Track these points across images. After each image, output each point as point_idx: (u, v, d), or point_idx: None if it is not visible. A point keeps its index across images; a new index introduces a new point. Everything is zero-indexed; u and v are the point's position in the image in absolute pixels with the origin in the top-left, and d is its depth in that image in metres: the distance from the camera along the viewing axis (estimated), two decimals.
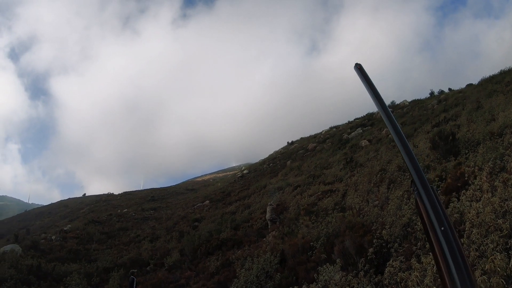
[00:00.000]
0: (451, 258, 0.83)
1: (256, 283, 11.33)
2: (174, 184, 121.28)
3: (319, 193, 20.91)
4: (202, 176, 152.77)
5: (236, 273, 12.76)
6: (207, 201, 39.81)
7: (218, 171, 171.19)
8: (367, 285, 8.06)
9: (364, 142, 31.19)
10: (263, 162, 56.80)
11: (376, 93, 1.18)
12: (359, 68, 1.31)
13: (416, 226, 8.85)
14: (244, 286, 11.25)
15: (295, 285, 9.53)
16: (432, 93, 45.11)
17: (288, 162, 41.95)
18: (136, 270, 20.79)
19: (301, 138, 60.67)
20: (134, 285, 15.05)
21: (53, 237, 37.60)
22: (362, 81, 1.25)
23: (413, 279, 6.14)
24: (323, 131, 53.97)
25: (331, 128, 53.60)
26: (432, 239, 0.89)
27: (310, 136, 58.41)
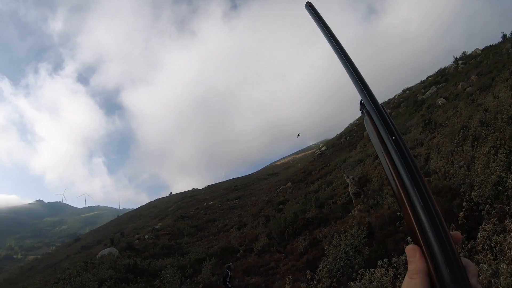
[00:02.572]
0: (401, 164, 0.90)
1: (345, 259, 11.25)
2: (255, 171, 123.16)
3: None
4: (281, 159, 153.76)
5: (324, 251, 12.82)
6: (289, 183, 40.09)
7: (296, 152, 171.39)
8: (460, 253, 7.73)
9: (440, 101, 29.72)
10: (340, 136, 55.99)
11: (329, 31, 1.18)
12: (310, 6, 1.29)
13: (508, 183, 8.40)
14: (333, 263, 11.19)
15: (384, 258, 9.17)
16: (504, 36, 41.65)
17: (365, 133, 41.00)
18: (228, 259, 21.43)
19: None
20: (229, 276, 15.62)
21: (146, 236, 39.79)
22: (315, 20, 1.24)
23: (509, 241, 5.77)
24: (396, 95, 52.13)
25: (403, 91, 51.62)
26: (383, 151, 0.95)
27: (383, 102, 56.79)
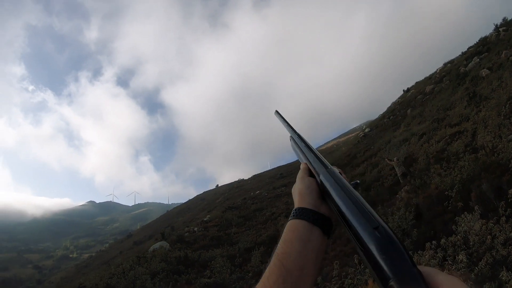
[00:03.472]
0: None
1: None
2: None
3: (446, 137, 19.88)
4: (324, 144, 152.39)
5: None
6: (335, 168, 39.92)
7: (339, 135, 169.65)
8: (511, 232, 7.63)
9: (484, 72, 28.61)
10: (383, 116, 54.91)
11: (295, 130, 1.39)
12: (278, 112, 1.57)
13: None
14: None
15: (433, 240, 9.08)
16: None
17: (408, 111, 40.15)
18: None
19: (416, 82, 57.67)
20: None
21: (196, 229, 40.62)
22: (283, 124, 1.47)
23: None
24: (437, 70, 50.51)
25: (445, 64, 49.89)
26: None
27: (425, 78, 55.33)
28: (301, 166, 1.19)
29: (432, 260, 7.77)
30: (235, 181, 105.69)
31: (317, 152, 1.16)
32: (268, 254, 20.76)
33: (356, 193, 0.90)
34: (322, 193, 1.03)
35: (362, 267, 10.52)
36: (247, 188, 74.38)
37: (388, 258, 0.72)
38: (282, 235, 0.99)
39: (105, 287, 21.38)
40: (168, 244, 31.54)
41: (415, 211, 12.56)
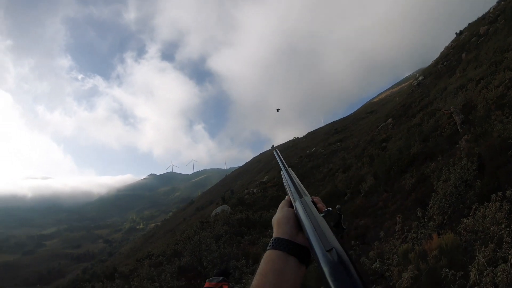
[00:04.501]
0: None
1: (455, 194, 10.76)
2: (353, 111, 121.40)
3: (506, 81, 18.94)
4: (378, 95, 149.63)
5: (433, 187, 12.37)
6: (390, 119, 39.15)
7: (392, 85, 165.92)
8: None
9: None
10: (436, 62, 52.66)
11: (286, 167, 1.46)
12: (275, 150, 1.74)
13: None
14: (443, 200, 10.78)
15: (497, 191, 8.77)
16: None
17: (463, 55, 38.28)
18: (336, 203, 21.66)
19: (469, 24, 54.54)
20: (342, 218, 15.99)
21: (255, 191, 41.49)
22: (277, 159, 1.59)
23: None
24: (490, 8, 47.28)
25: (498, 2, 46.65)
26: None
27: (478, 18, 52.05)
28: (286, 197, 1.25)
29: (498, 213, 7.61)
30: (290, 140, 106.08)
31: (298, 184, 1.24)
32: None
33: (321, 218, 0.97)
34: (299, 223, 1.07)
35: (425, 220, 10.42)
36: (302, 146, 74.58)
37: (337, 281, 0.76)
38: (259, 266, 1.02)
39: (172, 254, 22.34)
40: (229, 208, 32.47)
41: (477, 161, 12.09)
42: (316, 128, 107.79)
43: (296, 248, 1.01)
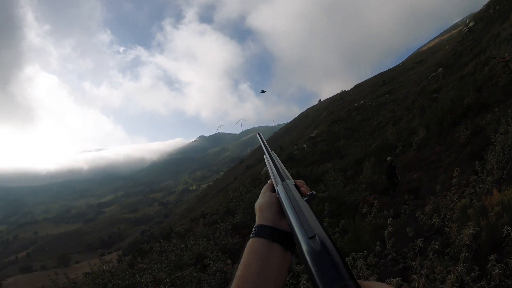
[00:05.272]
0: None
1: None
2: (401, 61, 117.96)
3: None
4: (426, 44, 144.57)
5: (490, 140, 11.98)
6: (440, 69, 37.83)
7: (441, 33, 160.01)
8: None
9: None
10: (488, 7, 49.38)
11: (269, 151, 1.45)
12: (259, 135, 1.69)
13: None
14: (501, 153, 10.24)
15: None
16: None
17: None
18: (387, 156, 21.44)
19: None
20: (396, 170, 15.81)
21: (304, 146, 41.69)
22: (262, 144, 1.55)
23: None
24: None
25: None
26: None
27: None
28: (268, 181, 1.23)
29: None
30: (337, 94, 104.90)
31: (281, 167, 1.22)
32: (379, 164, 20.86)
33: (303, 203, 0.94)
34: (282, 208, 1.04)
35: (485, 174, 10.13)
36: (350, 99, 73.62)
37: (320, 271, 0.71)
38: (242, 255, 0.98)
39: (225, 212, 23.02)
40: None
41: None
42: (363, 80, 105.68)
43: (280, 235, 0.98)
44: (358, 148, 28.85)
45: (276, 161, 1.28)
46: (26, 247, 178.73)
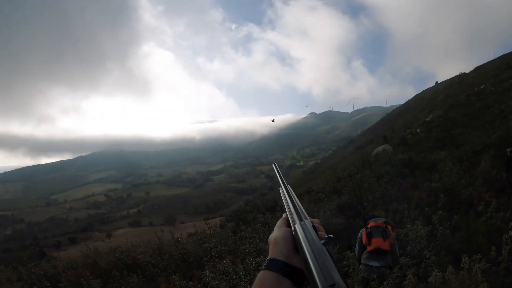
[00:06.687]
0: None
1: None
2: None
3: None
4: None
5: None
6: None
7: None
8: None
9: None
10: None
11: (285, 185, 1.45)
12: (275, 166, 1.70)
13: None
14: None
15: None
16: None
17: None
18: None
19: None
20: None
21: (418, 130, 40.43)
22: (278, 175, 1.55)
23: None
24: None
25: None
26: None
27: None
28: (283, 215, 1.25)
29: None
30: (455, 76, 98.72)
31: (298, 204, 1.22)
32: (499, 158, 19.46)
33: (322, 247, 0.93)
34: (296, 245, 1.05)
35: None
36: (469, 82, 69.17)
37: None
38: (252, 286, 1.00)
39: (332, 191, 23.03)
40: (391, 147, 32.34)
41: None
42: (484, 62, 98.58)
43: (291, 271, 1.01)
44: (476, 138, 27.28)
45: (293, 197, 1.29)
46: (138, 204, 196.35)
